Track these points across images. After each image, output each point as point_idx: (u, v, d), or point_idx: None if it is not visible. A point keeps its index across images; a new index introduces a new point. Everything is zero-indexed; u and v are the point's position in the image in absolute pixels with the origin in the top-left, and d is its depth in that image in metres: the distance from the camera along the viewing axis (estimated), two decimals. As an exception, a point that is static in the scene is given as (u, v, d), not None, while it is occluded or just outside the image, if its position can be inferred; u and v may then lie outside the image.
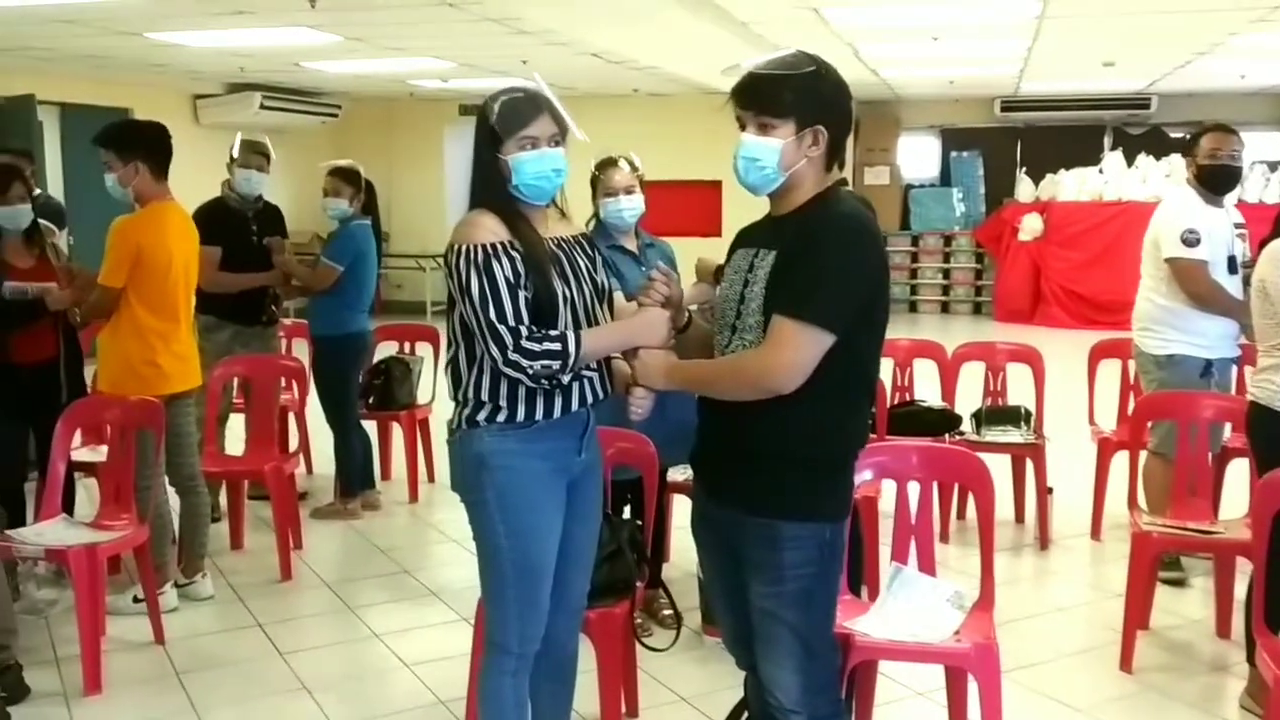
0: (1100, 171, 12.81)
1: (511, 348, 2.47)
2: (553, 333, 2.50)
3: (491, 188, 2.60)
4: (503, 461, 2.58)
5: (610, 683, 3.19)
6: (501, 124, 2.56)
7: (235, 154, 5.41)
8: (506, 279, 2.50)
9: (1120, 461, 4.89)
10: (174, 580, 4.44)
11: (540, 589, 2.65)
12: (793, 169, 2.36)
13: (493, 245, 2.52)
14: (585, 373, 2.63)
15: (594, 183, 3.97)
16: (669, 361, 2.51)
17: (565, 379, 2.57)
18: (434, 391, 6.05)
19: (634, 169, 3.98)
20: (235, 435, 5.55)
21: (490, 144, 2.58)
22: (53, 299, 4.33)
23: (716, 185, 11.52)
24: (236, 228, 5.30)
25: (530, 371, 2.49)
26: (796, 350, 2.26)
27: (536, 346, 2.47)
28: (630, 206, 3.94)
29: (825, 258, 2.29)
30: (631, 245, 4.02)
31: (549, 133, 2.58)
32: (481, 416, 2.59)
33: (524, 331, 2.48)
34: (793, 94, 2.33)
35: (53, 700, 3.65)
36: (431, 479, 6.14)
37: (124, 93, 10.21)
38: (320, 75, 10.80)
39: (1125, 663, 3.82)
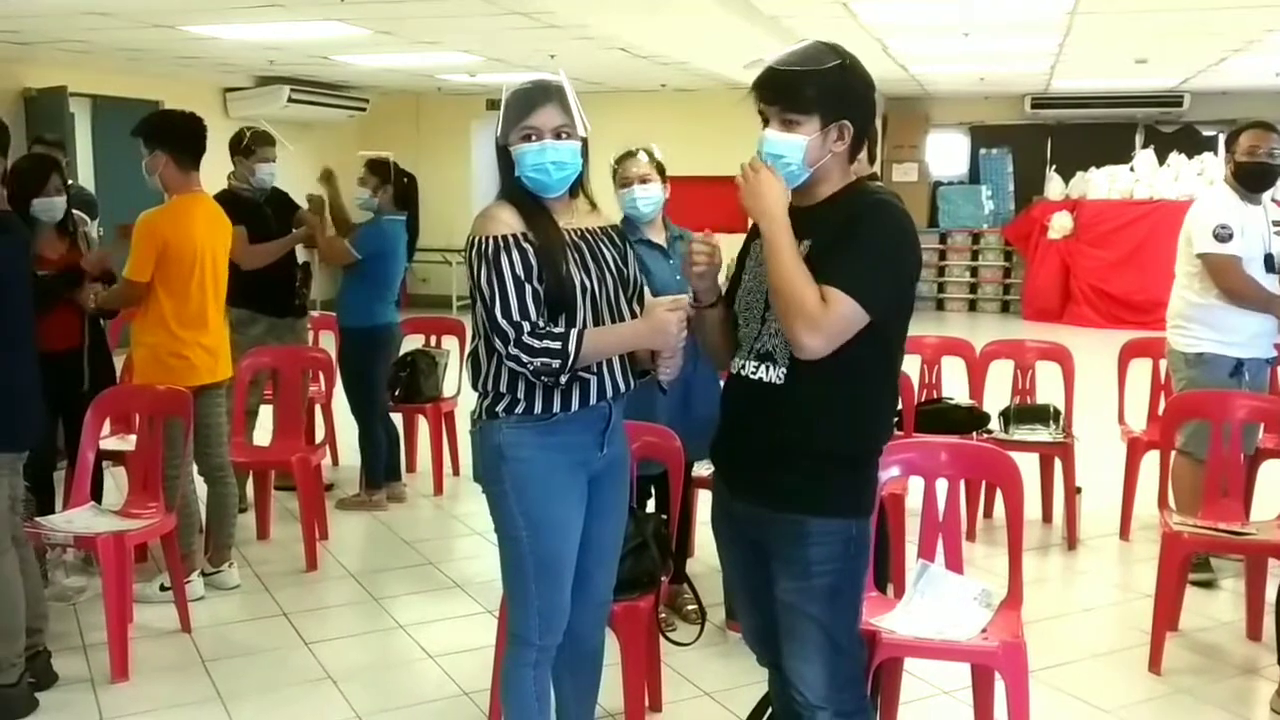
0: (1131, 169, 12.69)
1: (512, 342, 2.48)
2: (555, 330, 2.49)
3: (508, 181, 2.62)
4: (520, 453, 2.58)
5: (634, 676, 3.18)
6: (506, 114, 2.58)
7: (250, 147, 5.42)
8: (515, 273, 2.50)
9: (1150, 462, 4.84)
10: (201, 569, 4.46)
11: (560, 582, 2.64)
12: (818, 164, 2.33)
13: (503, 238, 2.52)
14: (596, 370, 2.60)
15: (614, 175, 3.95)
16: (784, 201, 2.30)
17: (563, 379, 2.55)
18: (459, 385, 6.07)
19: (652, 159, 3.95)
20: (263, 427, 5.57)
21: (503, 137, 2.61)
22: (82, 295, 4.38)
23: (744, 181, 11.50)
24: (252, 215, 5.30)
25: (529, 368, 2.50)
26: (842, 325, 2.23)
27: (536, 344, 2.47)
28: (645, 196, 3.90)
29: (872, 240, 2.28)
30: (658, 238, 3.99)
31: (553, 125, 2.56)
32: (500, 408, 2.59)
33: (526, 327, 2.47)
34: (817, 90, 2.29)
35: (80, 686, 3.68)
36: (456, 472, 6.15)
37: (155, 85, 10.28)
38: (349, 69, 10.83)
39: (1154, 664, 3.79)
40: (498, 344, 2.51)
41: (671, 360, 2.60)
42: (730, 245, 2.52)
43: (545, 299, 2.51)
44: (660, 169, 3.96)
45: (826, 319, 2.22)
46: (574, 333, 2.50)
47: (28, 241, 3.62)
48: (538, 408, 2.58)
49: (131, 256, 4.21)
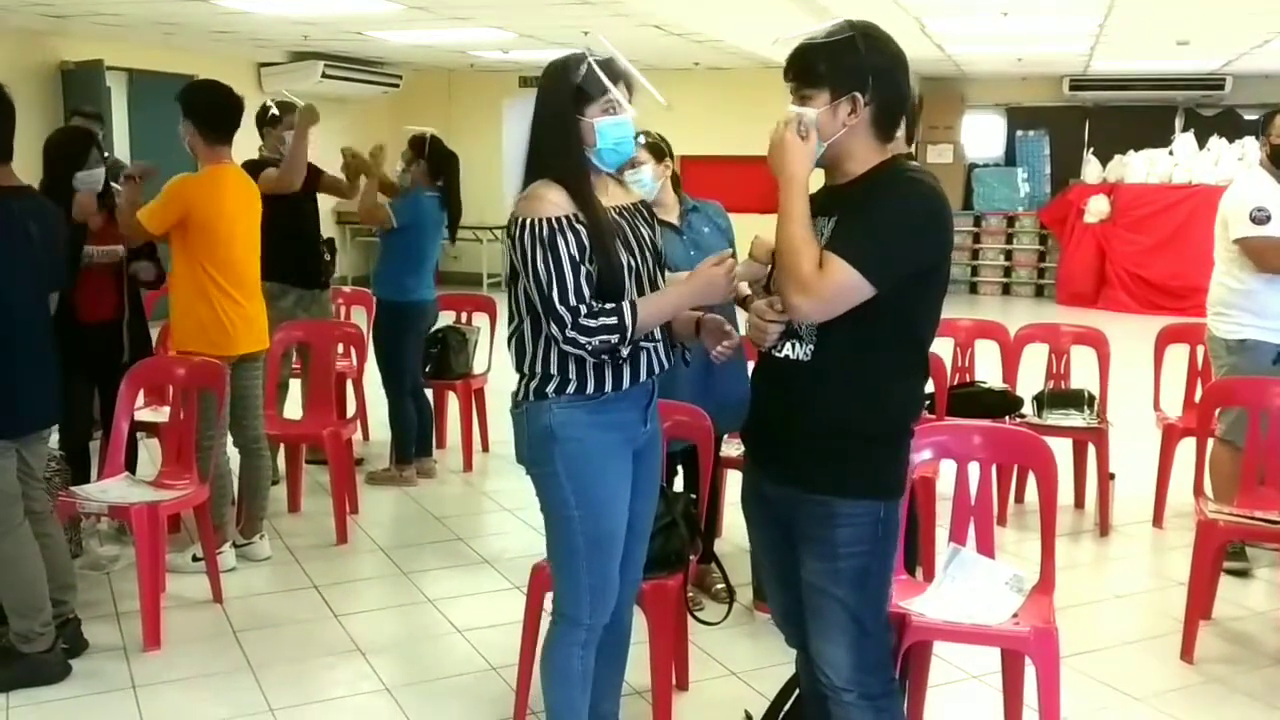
0: (1170, 153, 12.52)
1: (569, 326, 2.45)
2: (608, 306, 2.47)
3: (568, 153, 2.55)
4: (572, 434, 2.56)
5: (662, 655, 3.18)
6: (589, 85, 2.52)
7: (277, 116, 5.43)
8: (571, 255, 2.46)
9: (1185, 448, 4.78)
10: (232, 540, 4.50)
11: (611, 561, 2.64)
12: (833, 139, 2.31)
13: (558, 219, 2.48)
14: (644, 343, 2.60)
15: None
16: (807, 165, 2.30)
17: (624, 351, 2.55)
18: (490, 361, 6.08)
19: (648, 142, 3.82)
20: (291, 400, 5.61)
21: (574, 106, 2.54)
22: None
23: (776, 161, 11.45)
24: None
25: (589, 348, 2.48)
26: (840, 294, 2.22)
27: (593, 323, 2.45)
28: (632, 180, 3.81)
29: (884, 212, 2.26)
30: (670, 217, 3.92)
31: (625, 98, 2.56)
32: (550, 389, 2.56)
33: (582, 310, 2.45)
34: (825, 63, 2.29)
35: (113, 654, 3.73)
36: (486, 448, 6.17)
37: (190, 60, 10.32)
38: (382, 45, 10.84)
39: (1186, 652, 3.75)
40: (554, 329, 2.47)
41: (730, 342, 2.60)
42: (763, 225, 2.51)
43: (597, 280, 2.49)
44: (655, 150, 3.87)
45: (819, 283, 2.21)
46: (626, 305, 2.48)
47: (31, 220, 3.51)
48: (589, 387, 2.56)
49: (155, 205, 4.20)
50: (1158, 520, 5.11)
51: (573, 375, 2.55)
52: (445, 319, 6.15)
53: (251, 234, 4.43)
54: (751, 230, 4.04)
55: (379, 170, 5.62)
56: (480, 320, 6.29)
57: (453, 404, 6.19)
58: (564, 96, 2.54)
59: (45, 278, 3.58)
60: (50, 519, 3.68)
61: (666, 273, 2.80)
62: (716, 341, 2.65)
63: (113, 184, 4.63)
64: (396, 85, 12.96)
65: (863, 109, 2.30)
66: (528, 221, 2.50)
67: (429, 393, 5.90)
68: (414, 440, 5.70)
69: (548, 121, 2.57)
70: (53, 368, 3.58)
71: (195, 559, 4.33)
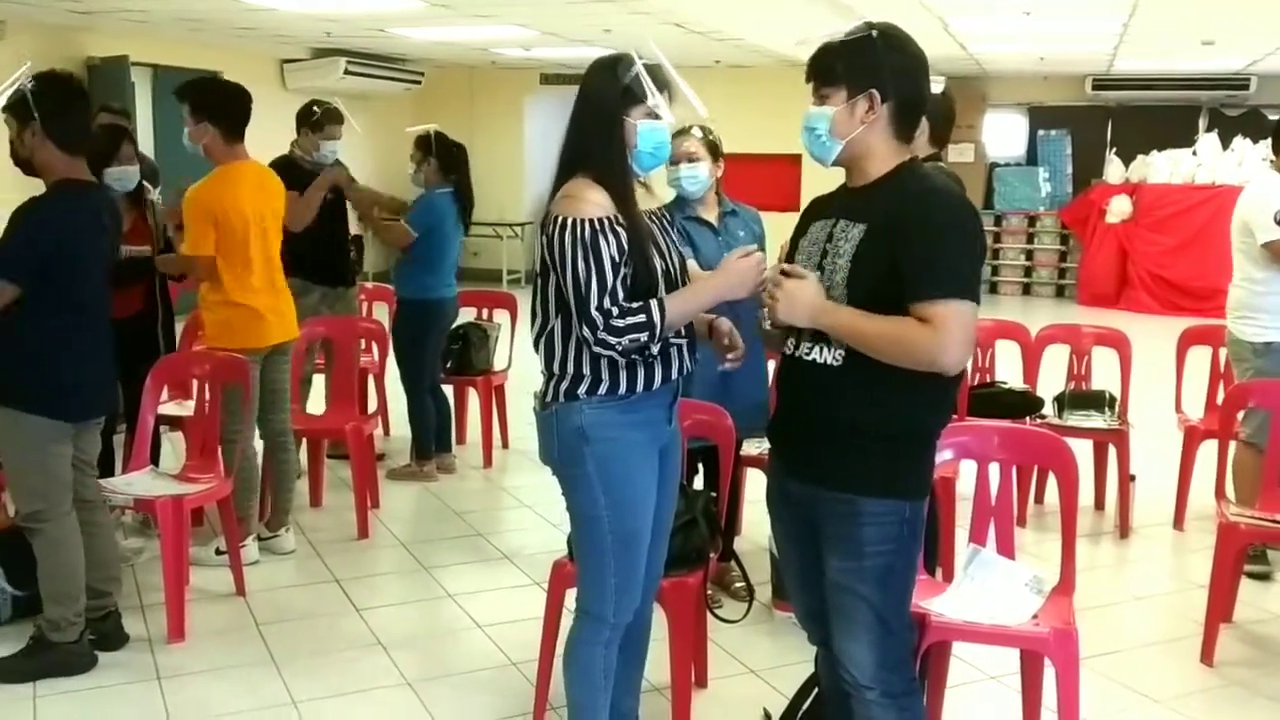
0: (1194, 154, 12.43)
1: (601, 328, 2.45)
2: (635, 305, 2.48)
3: (611, 152, 2.53)
4: (604, 434, 2.56)
5: (681, 652, 3.19)
6: (639, 87, 2.52)
7: (320, 122, 5.45)
8: (611, 256, 2.46)
9: (1207, 450, 4.77)
10: (257, 533, 4.54)
11: (639, 559, 2.65)
12: (849, 137, 2.33)
13: (599, 221, 2.48)
14: (674, 339, 2.61)
15: None
16: (819, 299, 2.30)
17: (654, 349, 2.55)
18: (510, 358, 6.11)
19: (705, 137, 3.90)
20: (315, 395, 5.64)
21: (621, 106, 2.53)
22: (161, 262, 4.50)
23: (796, 159, 11.40)
24: (307, 185, 5.34)
25: (619, 348, 2.48)
26: (964, 329, 2.22)
27: (622, 323, 2.45)
28: (691, 174, 3.85)
29: (948, 233, 2.27)
30: (709, 215, 3.97)
31: (668, 106, 2.57)
32: (581, 390, 2.56)
33: (614, 311, 2.45)
34: (841, 61, 2.33)
35: (138, 646, 3.77)
36: (506, 445, 6.20)
37: (214, 56, 10.38)
38: (404, 42, 10.87)
39: (1207, 655, 3.74)
40: (585, 331, 2.47)
41: (737, 354, 2.64)
42: (783, 223, 2.52)
43: (631, 282, 2.49)
44: (712, 148, 3.93)
45: (939, 339, 2.21)
46: (653, 302, 2.48)
47: (103, 213, 3.61)
48: (620, 387, 2.56)
49: (188, 233, 4.26)
50: (1178, 522, 5.09)
51: (604, 375, 2.56)
52: (466, 315, 6.18)
53: (274, 227, 4.44)
54: (768, 226, 4.07)
55: (372, 192, 5.61)
56: (501, 317, 6.31)
57: (473, 400, 6.22)
58: (611, 96, 2.54)
59: (108, 270, 3.66)
60: (100, 508, 3.73)
61: (693, 265, 2.82)
62: (725, 350, 2.67)
63: (144, 184, 4.68)
64: (419, 82, 12.99)
65: (880, 107, 2.32)
66: (568, 221, 2.48)
67: (449, 389, 5.94)
68: (433, 436, 5.74)
69: (592, 119, 2.56)
70: (110, 357, 3.64)
71: (219, 552, 4.37)
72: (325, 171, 5.41)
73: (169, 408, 4.94)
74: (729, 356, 2.69)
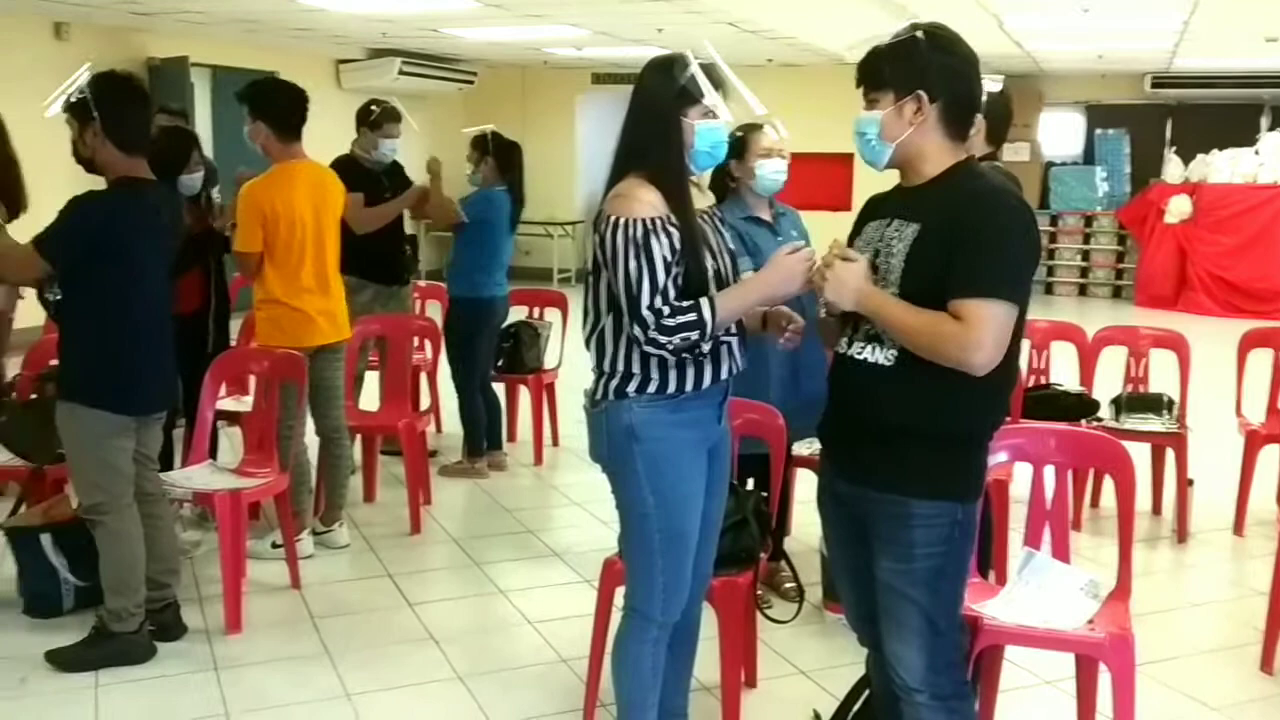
0: (1256, 153, 12.20)
1: (653, 327, 2.46)
2: (685, 304, 2.48)
3: (668, 152, 2.54)
4: (654, 433, 2.57)
5: (731, 652, 3.20)
6: (696, 87, 2.52)
7: (378, 121, 5.50)
8: (664, 256, 2.47)
9: (1268, 456, 4.68)
10: (311, 528, 4.60)
11: (687, 557, 2.66)
12: (900, 139, 2.32)
13: (652, 221, 2.48)
14: (725, 337, 2.61)
15: (737, 146, 3.78)
16: (866, 283, 2.31)
17: (705, 348, 2.56)
18: (561, 356, 6.14)
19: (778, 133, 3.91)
20: (369, 392, 5.71)
21: (677, 106, 2.54)
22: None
23: (848, 159, 11.36)
24: (370, 184, 5.42)
25: (669, 347, 2.49)
26: (996, 330, 2.21)
27: (673, 322, 2.46)
28: (776, 170, 3.84)
29: (994, 232, 2.25)
30: (766, 215, 3.97)
31: (724, 105, 2.58)
32: (631, 388, 2.57)
33: (665, 311, 2.46)
34: (888, 64, 2.33)
35: (196, 637, 3.83)
36: (556, 442, 6.22)
37: (271, 57, 10.53)
38: (458, 42, 10.95)
39: (1266, 663, 3.68)
40: (636, 330, 2.48)
41: (796, 325, 2.62)
42: (834, 223, 2.51)
43: (683, 283, 2.49)
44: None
45: (971, 335, 2.20)
46: (704, 301, 2.48)
47: (162, 210, 3.67)
48: (670, 386, 2.56)
49: (238, 230, 4.33)
50: (1238, 528, 5.00)
51: (654, 374, 2.56)
52: (517, 314, 6.22)
53: (326, 226, 4.48)
54: (820, 225, 4.04)
55: (439, 183, 5.67)
56: (552, 315, 6.34)
57: (524, 398, 6.25)
58: (667, 95, 2.54)
59: (170, 266, 3.73)
60: (161, 501, 3.81)
61: (748, 272, 2.81)
62: (782, 331, 2.66)
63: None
64: (471, 81, 13.09)
65: (929, 108, 2.31)
66: (621, 220, 2.49)
67: (500, 387, 5.97)
68: (484, 433, 5.78)
69: (648, 118, 2.57)
70: (171, 352, 3.71)
71: (275, 545, 4.43)
72: (411, 190, 5.58)
73: (226, 403, 5.02)
74: (789, 328, 2.65)
